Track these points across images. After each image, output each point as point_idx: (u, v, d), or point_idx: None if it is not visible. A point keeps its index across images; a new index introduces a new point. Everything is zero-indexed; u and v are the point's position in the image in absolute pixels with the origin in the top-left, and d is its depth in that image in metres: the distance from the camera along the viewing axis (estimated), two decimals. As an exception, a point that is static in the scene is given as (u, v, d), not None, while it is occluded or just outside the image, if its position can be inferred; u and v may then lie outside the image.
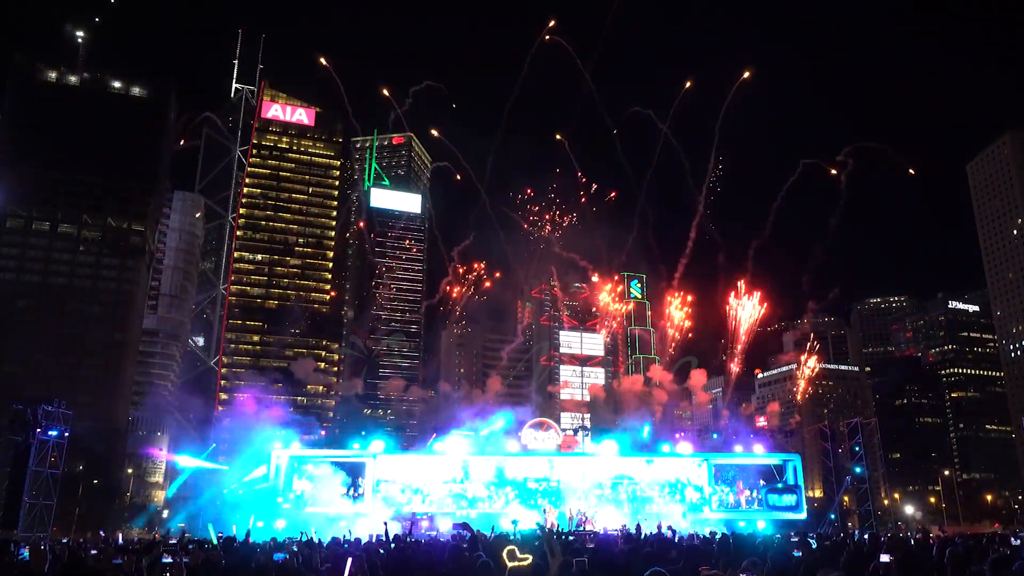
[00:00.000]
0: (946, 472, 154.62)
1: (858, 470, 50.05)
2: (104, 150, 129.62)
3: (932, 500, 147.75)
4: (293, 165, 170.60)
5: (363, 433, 54.29)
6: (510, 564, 10.78)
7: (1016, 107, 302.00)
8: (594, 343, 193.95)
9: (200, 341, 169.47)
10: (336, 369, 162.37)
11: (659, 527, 32.77)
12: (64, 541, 40.68)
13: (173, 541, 31.09)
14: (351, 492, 47.35)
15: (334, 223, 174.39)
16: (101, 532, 46.99)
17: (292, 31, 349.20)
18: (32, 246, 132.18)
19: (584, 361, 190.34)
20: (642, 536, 27.70)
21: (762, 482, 49.44)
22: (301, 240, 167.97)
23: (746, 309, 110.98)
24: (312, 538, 29.24)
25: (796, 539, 25.34)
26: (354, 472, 48.25)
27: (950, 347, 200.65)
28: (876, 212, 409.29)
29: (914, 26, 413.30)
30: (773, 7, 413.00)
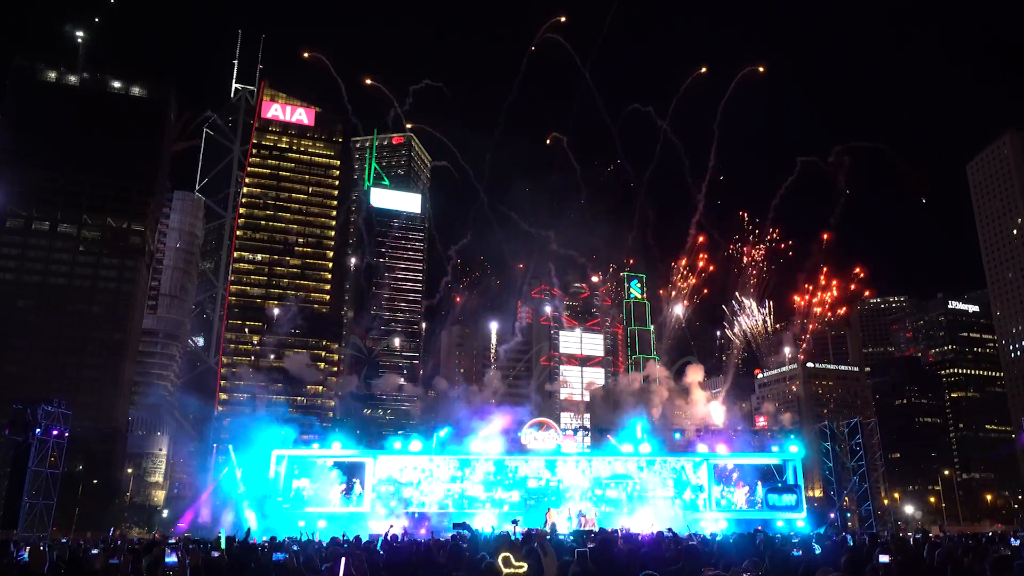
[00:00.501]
0: (946, 472, 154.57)
1: (858, 470, 50.05)
2: (104, 150, 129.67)
3: (932, 500, 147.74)
4: (293, 165, 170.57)
5: (358, 432, 54.08)
6: (505, 571, 10.73)
7: (1016, 107, 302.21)
8: (594, 343, 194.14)
9: (200, 341, 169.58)
10: (336, 369, 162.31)
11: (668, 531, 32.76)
12: (64, 541, 40.71)
13: (172, 541, 31.08)
14: (347, 492, 47.36)
15: (334, 223, 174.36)
16: (107, 532, 47.04)
17: (292, 31, 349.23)
18: (32, 246, 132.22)
19: (584, 361, 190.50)
20: (640, 537, 27.71)
21: (760, 483, 49.44)
22: (301, 240, 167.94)
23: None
24: (312, 538, 29.24)
25: (796, 539, 25.34)
26: (352, 472, 48.22)
27: (950, 347, 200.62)
28: (876, 212, 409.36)
29: (914, 26, 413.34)
30: (773, 7, 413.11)
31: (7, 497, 39.32)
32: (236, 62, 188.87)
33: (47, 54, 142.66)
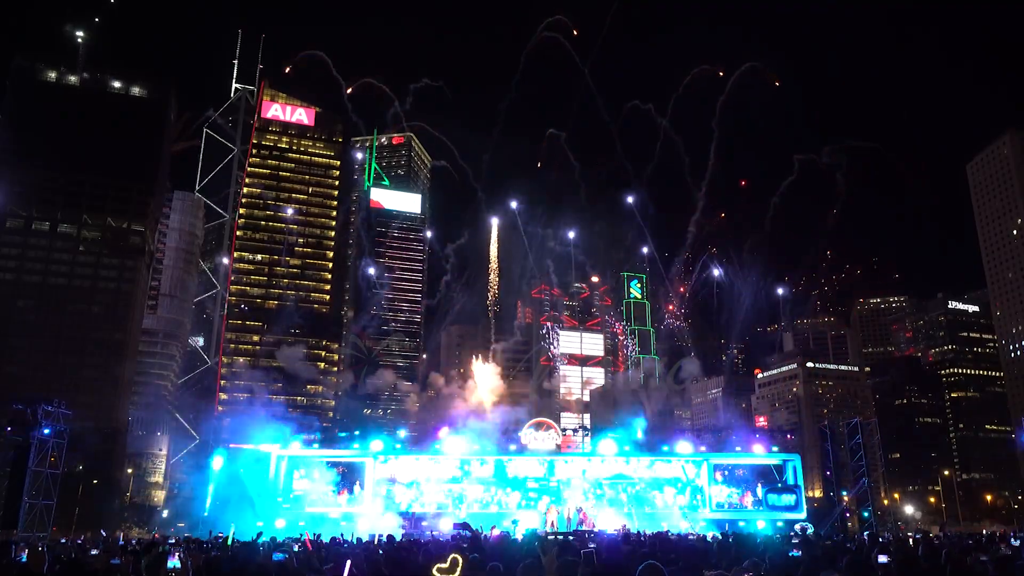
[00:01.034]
0: (946, 472, 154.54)
1: (858, 470, 50.06)
2: (104, 150, 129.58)
3: (932, 500, 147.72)
4: (293, 165, 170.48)
5: (357, 432, 54.15)
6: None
7: (1016, 107, 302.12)
8: (594, 343, 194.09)
9: (200, 341, 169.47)
10: (336, 369, 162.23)
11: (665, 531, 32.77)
12: (63, 541, 40.70)
13: (172, 541, 31.07)
14: (342, 491, 47.38)
15: (334, 223, 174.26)
16: (102, 532, 47.02)
17: (292, 31, 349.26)
18: (32, 246, 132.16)
19: (584, 361, 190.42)
20: (641, 537, 27.74)
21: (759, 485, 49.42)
22: (301, 240, 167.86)
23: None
24: (311, 538, 29.21)
25: (796, 539, 25.34)
26: (351, 472, 48.23)
27: (950, 347, 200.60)
28: (876, 212, 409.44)
29: (914, 26, 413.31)
30: (773, 7, 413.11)
31: (7, 497, 39.35)
32: (236, 62, 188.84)
33: (47, 54, 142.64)
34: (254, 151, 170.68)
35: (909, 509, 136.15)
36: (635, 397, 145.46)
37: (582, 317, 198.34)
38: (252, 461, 48.91)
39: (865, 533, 41.13)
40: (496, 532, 34.83)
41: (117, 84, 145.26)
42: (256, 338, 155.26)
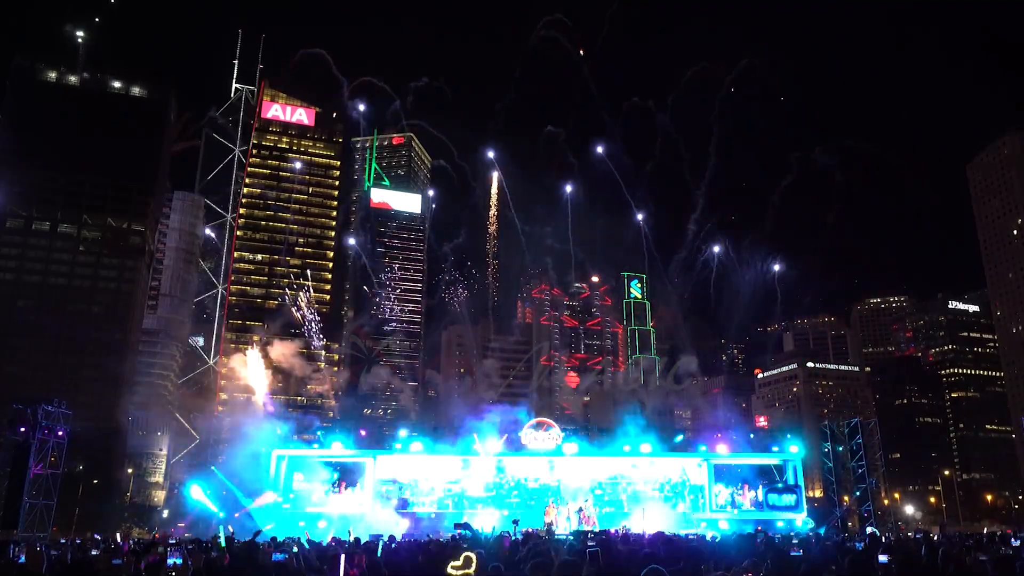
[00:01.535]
0: (946, 472, 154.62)
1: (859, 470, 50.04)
2: (104, 150, 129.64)
3: (932, 500, 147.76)
4: (293, 165, 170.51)
5: (359, 432, 54.10)
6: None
7: (1016, 107, 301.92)
8: (592, 342, 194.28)
9: (200, 341, 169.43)
10: (336, 369, 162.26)
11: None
12: (63, 541, 40.68)
13: (172, 541, 31.06)
14: (342, 491, 47.44)
15: (334, 223, 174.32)
16: (96, 536, 46.95)
17: (292, 31, 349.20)
18: (32, 246, 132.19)
19: (584, 361, 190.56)
20: (641, 537, 27.74)
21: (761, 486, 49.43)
22: (301, 240, 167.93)
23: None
24: (311, 538, 29.21)
25: (796, 540, 25.33)
26: (350, 472, 48.24)
27: (950, 347, 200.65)
28: (876, 212, 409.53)
29: (914, 26, 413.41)
30: (773, 7, 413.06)
31: (7, 497, 39.30)
32: (236, 62, 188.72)
33: (47, 54, 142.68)
34: (254, 151, 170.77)
35: (909, 509, 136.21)
36: (634, 396, 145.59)
37: (582, 317, 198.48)
38: (251, 461, 48.89)
39: (866, 533, 41.16)
40: (534, 528, 34.47)
41: (117, 84, 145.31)
42: (256, 338, 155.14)
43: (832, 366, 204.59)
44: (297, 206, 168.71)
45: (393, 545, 25.91)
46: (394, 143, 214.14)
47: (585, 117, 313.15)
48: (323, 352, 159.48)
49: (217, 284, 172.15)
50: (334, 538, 30.74)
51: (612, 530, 36.36)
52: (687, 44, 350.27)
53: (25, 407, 40.03)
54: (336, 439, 50.32)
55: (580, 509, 46.09)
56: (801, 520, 47.12)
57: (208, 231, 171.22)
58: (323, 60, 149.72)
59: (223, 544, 21.48)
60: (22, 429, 39.36)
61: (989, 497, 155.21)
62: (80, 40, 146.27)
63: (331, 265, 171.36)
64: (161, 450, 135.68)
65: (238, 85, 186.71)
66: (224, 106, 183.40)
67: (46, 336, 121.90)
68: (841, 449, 51.26)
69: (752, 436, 57.25)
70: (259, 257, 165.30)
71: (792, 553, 16.77)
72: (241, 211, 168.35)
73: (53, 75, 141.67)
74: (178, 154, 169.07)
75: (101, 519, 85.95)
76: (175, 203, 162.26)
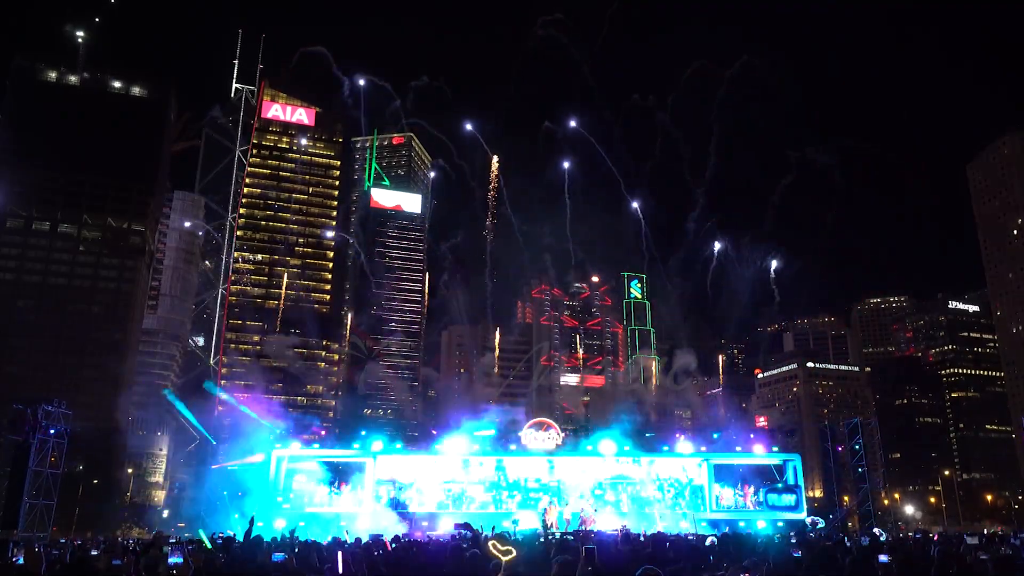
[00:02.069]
0: (946, 472, 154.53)
1: (858, 470, 50.04)
2: (104, 150, 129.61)
3: (932, 500, 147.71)
4: (293, 165, 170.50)
5: (363, 432, 54.10)
6: (497, 554, 10.85)
7: (1016, 107, 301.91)
8: (592, 342, 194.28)
9: (200, 341, 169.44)
10: (336, 369, 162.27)
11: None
12: (62, 541, 40.70)
13: (172, 540, 31.04)
14: (342, 491, 47.44)
15: (334, 223, 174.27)
16: (99, 537, 46.99)
17: (292, 31, 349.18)
18: (32, 246, 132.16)
19: (583, 361, 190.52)
20: (641, 537, 27.73)
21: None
22: (301, 240, 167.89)
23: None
24: (310, 538, 29.21)
25: (795, 539, 25.34)
26: (350, 472, 48.22)
27: (950, 347, 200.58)
28: (876, 212, 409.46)
29: (914, 26, 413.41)
30: (773, 7, 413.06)
31: (7, 497, 39.30)
32: (236, 62, 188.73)
33: (47, 54, 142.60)
34: (254, 151, 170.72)
35: (909, 509, 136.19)
36: (634, 396, 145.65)
37: (582, 317, 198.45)
38: (251, 461, 48.90)
39: (873, 532, 41.14)
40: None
41: (117, 84, 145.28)
42: (256, 338, 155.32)
43: (832, 366, 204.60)
44: (297, 206, 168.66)
45: (393, 545, 25.90)
46: (394, 143, 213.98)
47: (585, 116, 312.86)
48: (323, 352, 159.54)
49: (217, 284, 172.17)
50: (333, 538, 30.71)
51: (612, 530, 36.37)
52: (687, 44, 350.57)
53: (25, 407, 40.03)
54: (336, 439, 50.34)
55: (580, 509, 46.11)
56: (810, 520, 47.12)
57: (209, 230, 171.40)
58: (323, 60, 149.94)
59: (208, 545, 21.44)
60: (22, 429, 39.36)
61: (989, 497, 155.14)
62: (80, 40, 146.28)
63: (331, 265, 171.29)
64: (161, 450, 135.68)
65: (238, 85, 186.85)
66: (225, 106, 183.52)
67: (46, 336, 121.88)
68: (841, 449, 51.27)
69: (752, 436, 57.18)
70: (259, 257, 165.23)
71: (795, 554, 16.75)
72: (241, 211, 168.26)
73: (53, 75, 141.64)
74: (178, 154, 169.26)
75: (101, 519, 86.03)
76: (175, 203, 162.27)
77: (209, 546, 20.97)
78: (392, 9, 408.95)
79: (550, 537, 31.47)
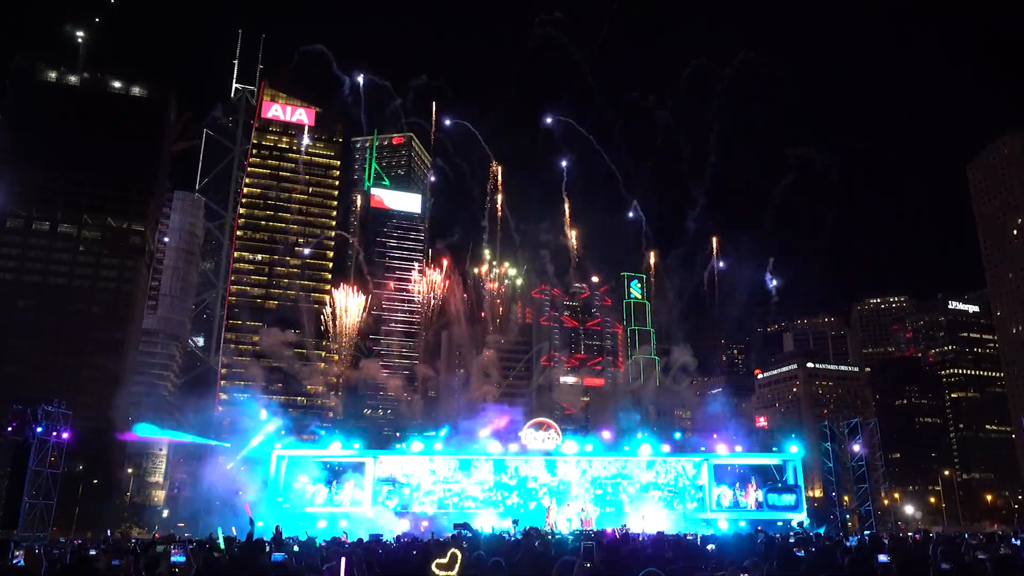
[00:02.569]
0: (946, 472, 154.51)
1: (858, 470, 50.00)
2: (104, 150, 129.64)
3: (932, 500, 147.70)
4: (293, 165, 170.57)
5: (363, 432, 54.14)
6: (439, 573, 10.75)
7: (1016, 107, 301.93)
8: (592, 342, 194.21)
9: (200, 341, 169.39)
10: (336, 369, 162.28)
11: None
12: (62, 541, 40.69)
13: (184, 538, 31.03)
14: (342, 490, 47.46)
15: (334, 223, 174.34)
16: (108, 531, 46.97)
17: (292, 31, 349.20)
18: (32, 246, 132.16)
19: (583, 361, 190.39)
20: (641, 537, 27.75)
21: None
22: (301, 240, 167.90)
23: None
24: (311, 538, 29.22)
25: (793, 539, 25.33)
26: (350, 472, 48.22)
27: (950, 347, 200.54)
28: (876, 212, 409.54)
29: (914, 26, 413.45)
30: (773, 7, 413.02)
31: (7, 497, 39.26)
32: (236, 62, 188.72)
33: (47, 54, 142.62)
34: (254, 151, 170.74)
35: (909, 509, 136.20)
36: (634, 397, 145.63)
37: (582, 317, 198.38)
38: (251, 461, 48.93)
39: (865, 533, 41.11)
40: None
41: (117, 84, 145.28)
42: (256, 338, 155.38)
43: (832, 366, 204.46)
44: (297, 206, 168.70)
45: (393, 545, 25.92)
46: (394, 143, 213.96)
47: (585, 116, 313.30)
48: (323, 352, 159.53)
49: (217, 284, 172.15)
50: (333, 538, 30.74)
51: (611, 530, 36.38)
52: (687, 44, 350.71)
53: (25, 407, 39.98)
54: (336, 439, 50.35)
55: (581, 509, 46.14)
56: (796, 521, 47.12)
57: (210, 230, 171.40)
58: (323, 59, 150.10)
59: (222, 545, 21.47)
60: (22, 429, 39.34)
61: (989, 497, 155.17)
62: (80, 40, 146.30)
63: (331, 265, 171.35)
64: (161, 450, 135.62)
65: (238, 85, 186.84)
66: (224, 106, 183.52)
67: (46, 336, 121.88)
68: (841, 449, 51.22)
69: (752, 436, 57.21)
70: (259, 257, 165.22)
71: (797, 553, 16.75)
72: (241, 211, 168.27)
73: (53, 75, 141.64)
74: (178, 154, 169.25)
75: (101, 519, 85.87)
76: (175, 203, 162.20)
77: (223, 547, 20.91)
78: (392, 9, 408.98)
79: (550, 537, 31.48)
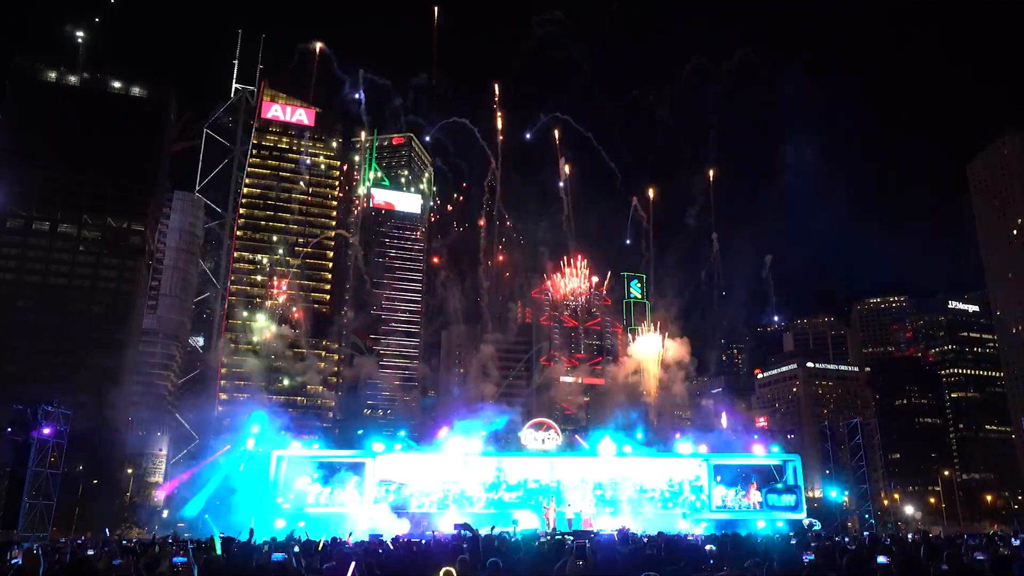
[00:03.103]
0: (946, 472, 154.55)
1: (858, 470, 50.04)
2: (104, 150, 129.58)
3: (932, 500, 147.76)
4: (293, 165, 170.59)
5: (359, 432, 54.19)
6: None
7: (1016, 107, 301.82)
8: (592, 342, 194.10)
9: (200, 341, 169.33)
10: (336, 369, 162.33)
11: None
12: (62, 541, 40.69)
13: (170, 540, 31.03)
14: (342, 490, 47.50)
15: (334, 223, 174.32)
16: (107, 531, 46.95)
17: (292, 31, 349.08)
18: (32, 246, 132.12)
19: (583, 360, 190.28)
20: (640, 538, 27.75)
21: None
22: (301, 240, 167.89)
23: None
24: (311, 538, 29.21)
25: (795, 540, 25.34)
26: (350, 471, 48.25)
27: (950, 347, 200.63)
28: (876, 212, 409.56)
29: (914, 26, 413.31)
30: (773, 7, 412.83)
31: (7, 497, 39.30)
32: (236, 62, 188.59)
33: (47, 54, 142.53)
34: (254, 151, 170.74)
35: (909, 509, 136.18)
36: (634, 397, 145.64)
37: (582, 317, 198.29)
38: (251, 461, 48.89)
39: (865, 533, 41.17)
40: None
41: (117, 84, 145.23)
42: (256, 338, 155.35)
43: (832, 366, 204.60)
44: (297, 206, 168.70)
45: (392, 545, 25.92)
46: (394, 143, 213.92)
47: (585, 115, 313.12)
48: (323, 352, 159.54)
49: (217, 284, 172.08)
50: (333, 538, 30.74)
51: (611, 530, 36.38)
52: (687, 44, 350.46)
53: (25, 407, 40.02)
54: (335, 439, 50.37)
55: (581, 509, 46.16)
56: (807, 522, 47.14)
57: (210, 229, 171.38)
58: (324, 58, 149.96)
59: (220, 551, 21.44)
60: (22, 429, 39.36)
61: (989, 497, 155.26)
62: (80, 40, 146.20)
63: (331, 265, 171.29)
64: (161, 450, 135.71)
65: (238, 85, 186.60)
66: (224, 106, 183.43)
67: (46, 336, 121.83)
68: (841, 449, 51.31)
69: (752, 436, 57.28)
70: (259, 257, 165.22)
71: (807, 557, 16.74)
72: (241, 211, 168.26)
73: (53, 75, 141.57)
74: (178, 154, 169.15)
75: (101, 519, 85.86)
76: (175, 203, 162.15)
77: (220, 551, 20.82)
78: (392, 9, 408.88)
79: (550, 537, 31.49)
